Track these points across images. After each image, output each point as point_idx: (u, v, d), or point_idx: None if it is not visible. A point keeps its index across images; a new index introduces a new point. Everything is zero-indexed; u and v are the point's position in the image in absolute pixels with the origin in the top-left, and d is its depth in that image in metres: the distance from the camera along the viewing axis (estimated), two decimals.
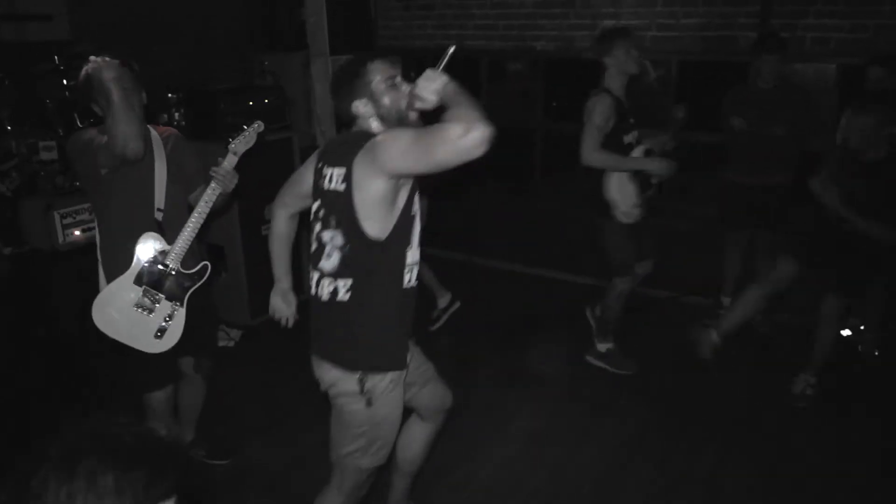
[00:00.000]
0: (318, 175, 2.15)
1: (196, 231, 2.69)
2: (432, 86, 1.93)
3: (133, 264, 2.63)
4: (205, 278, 2.76)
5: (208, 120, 4.40)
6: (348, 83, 2.13)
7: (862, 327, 4.15)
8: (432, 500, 2.99)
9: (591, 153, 3.62)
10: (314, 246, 2.14)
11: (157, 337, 2.65)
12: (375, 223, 2.01)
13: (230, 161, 2.72)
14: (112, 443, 0.99)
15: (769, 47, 4.04)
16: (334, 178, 2.05)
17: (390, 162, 1.91)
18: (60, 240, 3.91)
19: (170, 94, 4.66)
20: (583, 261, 5.04)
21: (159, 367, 2.76)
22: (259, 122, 2.78)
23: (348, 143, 2.08)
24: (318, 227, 2.13)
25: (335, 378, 2.20)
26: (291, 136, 4.80)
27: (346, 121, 2.21)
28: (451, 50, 2.07)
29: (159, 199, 2.69)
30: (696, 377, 4.00)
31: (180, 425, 3.18)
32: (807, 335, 3.80)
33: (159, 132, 2.80)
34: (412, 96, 1.99)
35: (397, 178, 1.96)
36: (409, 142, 1.86)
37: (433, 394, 2.53)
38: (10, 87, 4.63)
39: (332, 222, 2.07)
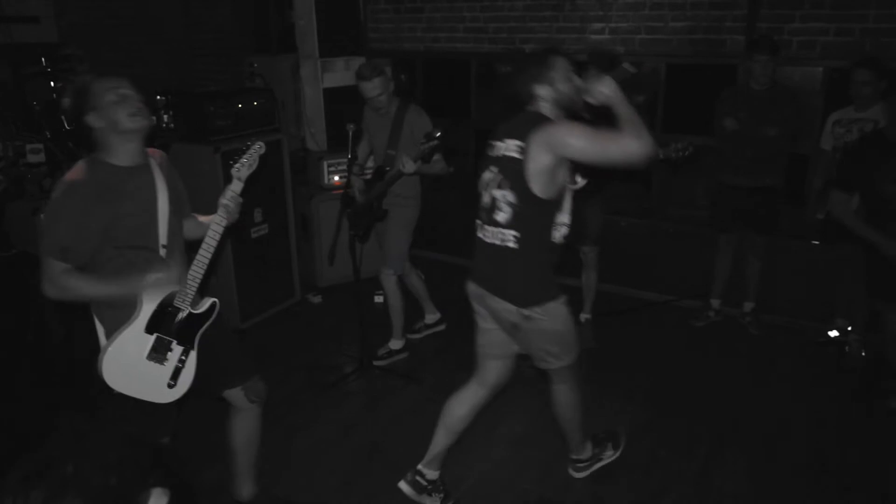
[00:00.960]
0: (490, 147, 2.62)
1: (204, 268, 2.43)
2: (605, 88, 2.37)
3: (140, 311, 2.34)
4: (213, 316, 2.49)
5: (197, 123, 4.38)
6: (534, 68, 2.54)
7: (849, 329, 4.19)
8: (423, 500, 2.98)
9: None
10: (487, 200, 2.60)
11: (170, 386, 2.40)
12: (540, 186, 2.44)
13: (236, 187, 2.48)
14: (91, 458, 1.01)
15: (761, 48, 4.07)
16: (511, 147, 2.49)
17: (564, 147, 2.36)
18: None
19: (158, 97, 4.65)
20: (568, 263, 5.06)
21: (164, 417, 2.49)
22: (260, 143, 2.53)
23: (525, 121, 2.51)
24: (492, 186, 2.58)
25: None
26: (281, 138, 4.79)
27: (520, 101, 2.60)
28: (631, 69, 2.75)
29: (163, 234, 2.38)
30: (687, 377, 4.03)
31: (236, 474, 2.84)
32: (794, 337, 3.83)
33: (153, 155, 2.46)
34: (585, 90, 2.44)
35: (562, 159, 2.41)
36: (588, 136, 2.32)
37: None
38: None
39: (507, 183, 2.50)
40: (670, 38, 4.81)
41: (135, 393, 2.36)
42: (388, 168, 3.92)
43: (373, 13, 5.92)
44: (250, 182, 2.53)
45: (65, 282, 2.22)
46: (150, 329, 2.35)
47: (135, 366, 2.34)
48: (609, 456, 3.21)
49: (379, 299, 5.06)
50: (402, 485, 2.96)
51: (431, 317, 4.60)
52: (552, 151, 2.38)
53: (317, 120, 5.64)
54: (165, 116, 4.77)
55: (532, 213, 2.50)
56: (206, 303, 2.48)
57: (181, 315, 2.40)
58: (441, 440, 2.94)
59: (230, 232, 2.73)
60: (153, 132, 2.49)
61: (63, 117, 4.89)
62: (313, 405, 3.80)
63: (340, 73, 5.74)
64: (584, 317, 4.43)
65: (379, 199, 4.00)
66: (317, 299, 5.16)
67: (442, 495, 2.97)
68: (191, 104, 4.49)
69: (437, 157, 3.75)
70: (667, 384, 3.97)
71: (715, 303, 4.66)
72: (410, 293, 4.44)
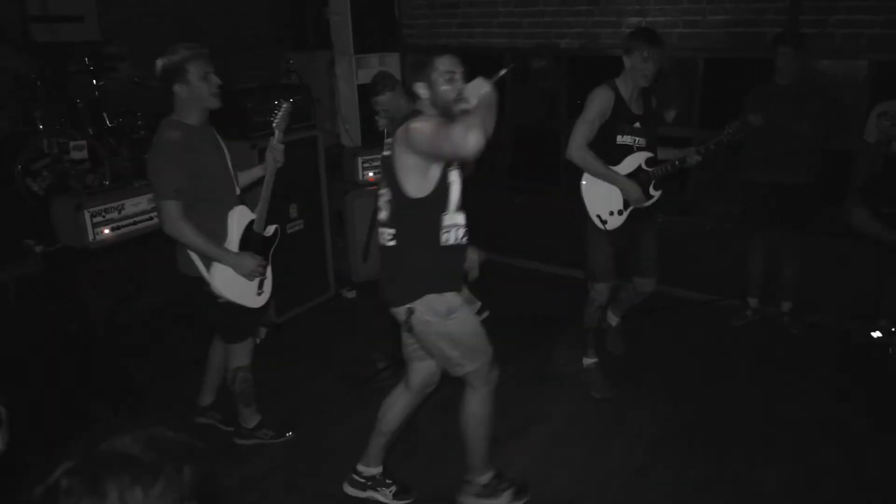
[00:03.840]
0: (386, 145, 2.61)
1: (268, 201, 3.09)
2: (478, 91, 2.33)
3: (231, 234, 3.00)
4: (278, 238, 3.23)
5: (235, 118, 4.44)
6: (419, 67, 2.52)
7: (893, 329, 4.07)
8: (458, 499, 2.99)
9: (575, 148, 3.44)
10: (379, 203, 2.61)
11: (258, 294, 3.13)
12: (411, 185, 2.43)
13: (278, 137, 3.11)
14: (132, 458, 1.02)
15: (783, 39, 4.01)
16: (387, 146, 2.53)
17: (415, 144, 2.35)
18: (90, 238, 3.97)
19: None
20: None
21: (255, 318, 3.31)
22: (288, 102, 3.18)
23: (404, 119, 2.49)
24: (380, 186, 2.60)
25: None
26: (317, 134, 4.83)
27: (412, 99, 2.60)
28: (504, 71, 2.54)
29: (236, 179, 3.11)
30: (721, 378, 3.97)
31: (204, 385, 3.52)
32: (835, 337, 3.75)
33: None
34: (459, 93, 2.40)
35: (423, 156, 2.37)
36: (430, 131, 2.30)
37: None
38: (42, 87, 4.72)
39: (384, 182, 2.55)
40: (709, 32, 4.72)
41: (239, 299, 3.02)
42: None
43: (408, 9, 5.92)
44: (280, 174, 3.16)
45: (181, 227, 2.80)
46: (242, 247, 3.01)
47: (234, 277, 2.97)
48: (505, 501, 2.90)
49: None
50: (346, 487, 3.02)
51: (472, 306, 4.59)
52: (410, 148, 2.37)
53: (351, 116, 5.68)
54: None
55: (408, 213, 2.49)
56: (272, 228, 3.19)
57: (264, 236, 3.12)
58: (375, 442, 2.97)
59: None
60: None
61: (105, 114, 5.01)
62: (346, 401, 3.82)
63: (375, 70, 5.76)
64: (613, 320, 4.25)
65: None
66: (351, 294, 5.20)
67: (394, 488, 2.99)
68: (229, 100, 4.51)
69: None
70: (703, 384, 3.91)
71: (753, 302, 4.58)
72: None
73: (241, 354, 3.26)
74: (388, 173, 2.50)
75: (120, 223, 4.14)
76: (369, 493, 2.99)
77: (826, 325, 4.48)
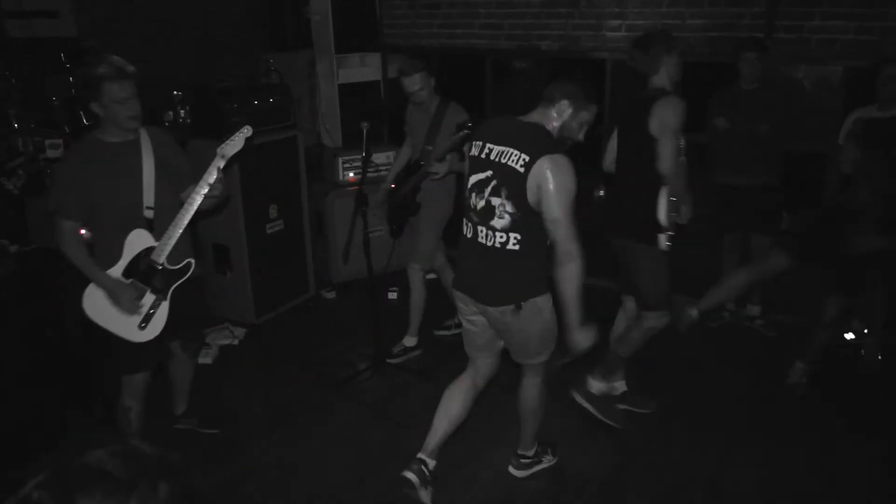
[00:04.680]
0: (479, 149, 2.66)
1: (181, 228, 2.79)
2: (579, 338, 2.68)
3: (122, 258, 2.79)
4: (188, 274, 2.89)
5: (213, 118, 4.40)
6: (580, 91, 2.64)
7: (865, 331, 4.15)
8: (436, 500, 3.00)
9: (673, 164, 3.10)
10: (481, 205, 2.63)
11: (140, 328, 2.82)
12: (535, 200, 2.52)
13: (217, 164, 2.80)
14: (104, 473, 1.01)
15: (748, 46, 4.10)
16: (514, 158, 2.53)
17: (547, 195, 2.49)
18: None
19: (175, 92, 4.67)
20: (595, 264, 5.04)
21: (139, 353, 2.91)
22: (248, 126, 2.86)
23: (533, 134, 2.59)
24: (487, 191, 2.61)
25: None
26: (297, 134, 4.80)
27: (544, 96, 2.67)
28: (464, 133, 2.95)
29: (148, 197, 2.81)
30: (698, 378, 4.01)
31: (174, 398, 3.48)
32: (807, 336, 3.82)
33: (148, 131, 2.90)
34: (575, 139, 2.69)
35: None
36: (566, 212, 2.50)
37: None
38: (16, 84, 4.64)
39: (505, 192, 2.56)
40: (688, 37, 4.77)
41: (109, 327, 2.80)
42: (422, 163, 3.97)
43: (388, 9, 5.91)
44: (260, 174, 3.03)
45: (68, 245, 2.75)
46: (126, 274, 2.79)
47: (111, 304, 2.77)
48: (548, 461, 3.24)
49: (393, 296, 5.07)
50: (409, 474, 2.89)
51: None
52: (544, 184, 2.48)
53: (332, 116, 5.66)
54: (182, 111, 4.80)
55: (532, 223, 2.58)
56: (184, 261, 2.88)
57: (156, 267, 2.80)
58: (440, 428, 2.96)
59: (213, 210, 3.14)
60: (170, 129, 2.75)
61: (81, 112, 4.93)
62: (326, 402, 3.82)
63: (356, 69, 5.75)
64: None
65: (412, 194, 4.05)
66: (331, 295, 5.18)
67: (431, 490, 2.96)
68: (207, 100, 4.51)
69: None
70: (680, 385, 3.95)
71: (729, 304, 4.63)
72: (441, 291, 4.43)
73: (127, 390, 2.99)
74: (514, 186, 2.54)
75: None
76: (421, 492, 2.91)
77: (799, 327, 4.53)
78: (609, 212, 3.56)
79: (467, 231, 2.74)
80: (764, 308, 4.57)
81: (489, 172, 2.61)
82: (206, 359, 4.16)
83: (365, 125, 3.82)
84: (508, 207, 2.57)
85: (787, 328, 4.51)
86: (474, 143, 2.73)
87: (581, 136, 2.70)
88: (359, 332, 4.51)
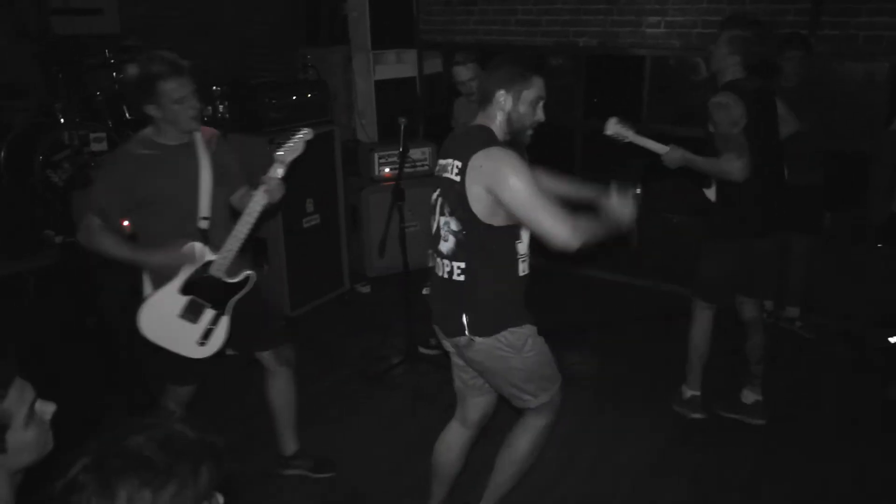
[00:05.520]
0: (438, 166, 2.39)
1: (241, 241, 2.62)
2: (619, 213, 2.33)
3: (179, 274, 2.60)
4: (247, 288, 2.73)
5: (251, 113, 4.46)
6: (510, 73, 2.30)
7: None
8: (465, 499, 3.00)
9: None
10: (434, 229, 2.38)
11: (200, 344, 2.67)
12: (486, 214, 2.22)
13: (278, 171, 2.61)
14: (144, 459, 1.04)
15: (794, 44, 4.01)
16: (448, 168, 2.29)
17: (505, 201, 2.16)
18: None
19: (214, 88, 4.74)
20: (620, 262, 5.00)
21: (191, 367, 2.74)
22: (307, 129, 2.68)
23: (470, 138, 2.30)
24: (437, 211, 2.37)
25: None
26: (333, 129, 4.84)
27: (479, 98, 2.42)
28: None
29: (204, 207, 2.61)
30: (733, 383, 3.94)
31: (279, 433, 3.10)
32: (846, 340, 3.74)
33: (203, 133, 2.69)
34: (535, 124, 2.36)
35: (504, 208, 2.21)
36: (529, 203, 2.14)
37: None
38: (62, 80, 4.76)
39: (447, 209, 2.30)
40: None
41: (166, 344, 2.64)
42: None
43: (425, 5, 5.91)
44: (297, 169, 2.72)
45: (99, 238, 2.54)
46: (184, 291, 2.62)
47: (168, 321, 2.61)
48: None
49: (427, 291, 5.08)
50: None
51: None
52: (491, 190, 2.18)
53: (368, 111, 5.69)
54: (221, 107, 4.86)
55: (483, 243, 2.26)
56: (243, 274, 2.71)
57: (215, 282, 2.63)
58: (438, 490, 2.77)
59: (268, 215, 2.88)
60: (209, 124, 2.71)
61: (125, 107, 5.04)
62: (360, 394, 3.85)
63: (392, 66, 5.77)
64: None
65: None
66: (366, 289, 5.22)
67: None
68: (246, 95, 4.57)
69: None
70: (714, 387, 3.89)
71: (768, 304, 4.55)
72: None
73: (172, 396, 2.87)
74: (455, 200, 2.25)
75: None
76: None
77: (841, 330, 4.44)
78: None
79: (430, 261, 2.48)
80: (803, 310, 4.48)
81: (438, 191, 2.37)
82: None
83: (402, 121, 3.84)
84: (453, 225, 2.28)
85: (829, 333, 4.41)
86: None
87: (541, 116, 2.36)
88: (393, 326, 4.53)
